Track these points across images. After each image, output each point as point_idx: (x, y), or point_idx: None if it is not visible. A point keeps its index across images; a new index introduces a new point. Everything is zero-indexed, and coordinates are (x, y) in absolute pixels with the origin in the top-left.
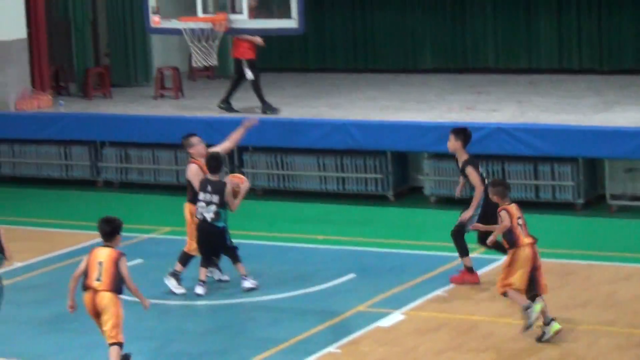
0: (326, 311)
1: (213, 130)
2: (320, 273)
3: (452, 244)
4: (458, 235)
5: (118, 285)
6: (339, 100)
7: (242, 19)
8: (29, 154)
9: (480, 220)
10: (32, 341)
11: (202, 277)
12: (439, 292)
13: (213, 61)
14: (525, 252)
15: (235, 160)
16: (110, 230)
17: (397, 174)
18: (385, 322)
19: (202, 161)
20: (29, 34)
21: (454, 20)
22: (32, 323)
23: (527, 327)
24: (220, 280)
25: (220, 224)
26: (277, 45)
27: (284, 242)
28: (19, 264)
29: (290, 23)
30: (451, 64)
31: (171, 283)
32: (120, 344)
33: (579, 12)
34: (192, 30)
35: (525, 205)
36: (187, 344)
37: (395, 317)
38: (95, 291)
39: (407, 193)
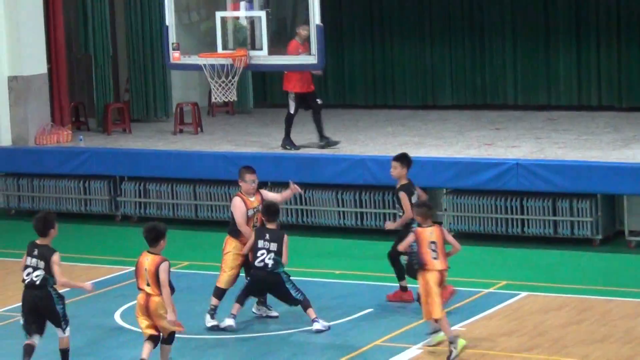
0: (344, 345)
1: (231, 165)
2: (339, 307)
3: (466, 279)
4: (395, 259)
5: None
6: (357, 136)
7: (262, 55)
8: (49, 188)
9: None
10: None
11: (234, 311)
12: (456, 327)
13: (232, 97)
14: (432, 276)
15: None
16: (153, 237)
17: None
18: (403, 357)
19: (246, 197)
20: (50, 69)
21: (473, 56)
22: (49, 357)
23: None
24: (268, 317)
25: (280, 270)
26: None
27: (304, 276)
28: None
29: (310, 59)
30: (470, 100)
31: (207, 319)
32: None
33: (598, 50)
34: (212, 66)
35: (543, 241)
36: None
37: (411, 352)
38: (148, 295)
39: None
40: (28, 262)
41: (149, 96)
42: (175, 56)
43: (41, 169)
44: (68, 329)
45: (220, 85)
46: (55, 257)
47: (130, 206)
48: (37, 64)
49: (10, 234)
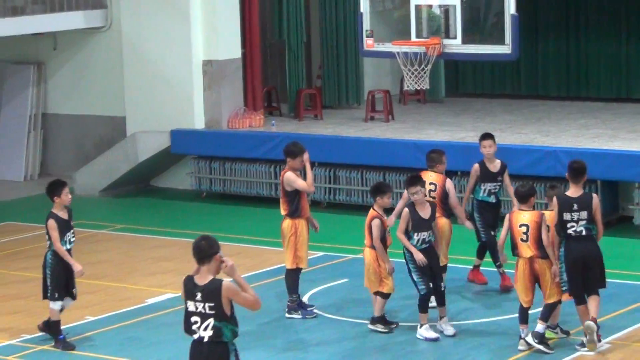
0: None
1: (422, 153)
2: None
3: None
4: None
5: None
6: (549, 127)
7: (456, 44)
8: (240, 171)
9: None
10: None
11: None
12: None
13: (425, 85)
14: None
15: None
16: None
17: (606, 202)
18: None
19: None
20: (244, 54)
21: None
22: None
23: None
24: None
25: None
26: (489, 71)
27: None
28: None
29: (504, 49)
30: None
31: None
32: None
33: None
34: (405, 54)
35: None
36: None
37: (601, 346)
38: None
39: (616, 222)
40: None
41: (341, 83)
42: (368, 43)
43: (233, 152)
44: (56, 302)
45: (412, 73)
46: (50, 222)
47: (320, 192)
48: (231, 49)
49: (201, 217)
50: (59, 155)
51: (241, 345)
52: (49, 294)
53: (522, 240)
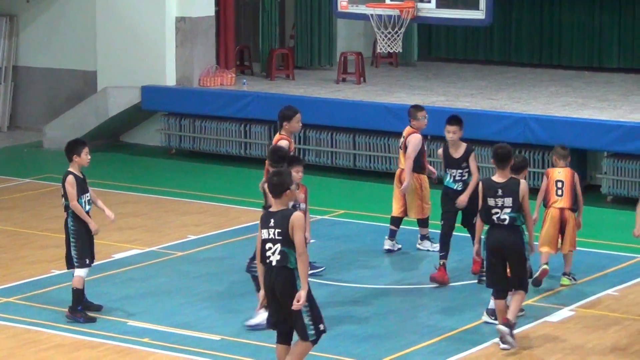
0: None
1: (392, 116)
2: None
3: (628, 244)
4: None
5: None
6: (520, 94)
7: (430, 8)
8: (210, 129)
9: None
10: (199, 314)
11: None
12: (610, 291)
13: (398, 48)
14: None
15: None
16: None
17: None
18: (554, 318)
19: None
20: (217, 12)
21: None
22: (202, 295)
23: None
24: (428, 251)
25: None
26: (462, 36)
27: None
28: (192, 237)
29: (477, 14)
30: (637, 64)
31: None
32: None
33: None
34: (379, 16)
35: None
36: (354, 325)
37: (563, 314)
38: None
39: (584, 191)
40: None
41: (314, 44)
42: (342, 5)
43: (203, 110)
44: (83, 269)
45: (386, 36)
46: (69, 178)
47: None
48: (205, 6)
49: (170, 173)
50: (29, 108)
51: (207, 303)
52: (76, 262)
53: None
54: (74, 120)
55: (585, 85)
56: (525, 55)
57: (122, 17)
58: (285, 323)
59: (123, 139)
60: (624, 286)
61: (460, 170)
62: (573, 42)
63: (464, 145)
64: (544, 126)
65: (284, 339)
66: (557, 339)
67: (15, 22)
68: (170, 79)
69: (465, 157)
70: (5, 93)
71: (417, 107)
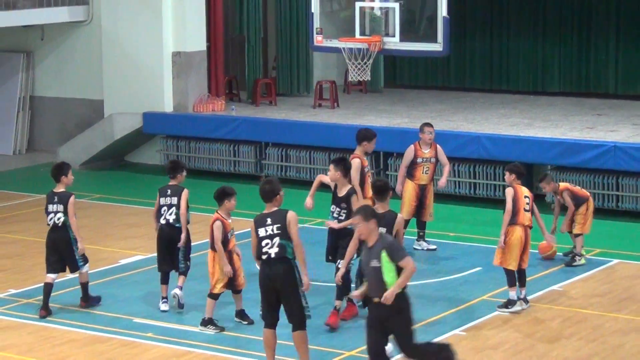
0: (455, 298)
1: None
2: (451, 265)
3: (566, 245)
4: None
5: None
6: (474, 115)
7: (394, 42)
8: (203, 150)
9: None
10: (195, 311)
11: None
12: (555, 287)
13: (367, 77)
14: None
15: (381, 164)
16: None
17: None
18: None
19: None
20: (209, 47)
21: (580, 49)
22: (198, 295)
23: None
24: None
25: None
26: (423, 65)
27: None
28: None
29: (436, 47)
30: (575, 88)
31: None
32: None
33: None
34: (350, 49)
35: (636, 215)
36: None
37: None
38: None
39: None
40: (50, 209)
41: (293, 74)
42: (318, 39)
43: (197, 133)
44: (86, 265)
45: (356, 66)
46: (72, 199)
47: (273, 168)
48: (198, 42)
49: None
50: (44, 133)
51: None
52: (79, 263)
53: (525, 210)
54: (84, 143)
55: (530, 107)
56: (478, 82)
57: (125, 52)
58: (275, 311)
59: (127, 159)
60: (568, 282)
61: (339, 209)
62: (519, 69)
63: (348, 186)
64: (495, 143)
65: (272, 323)
66: (510, 329)
67: (32, 57)
68: (168, 106)
69: (347, 197)
70: (23, 120)
71: (425, 124)
